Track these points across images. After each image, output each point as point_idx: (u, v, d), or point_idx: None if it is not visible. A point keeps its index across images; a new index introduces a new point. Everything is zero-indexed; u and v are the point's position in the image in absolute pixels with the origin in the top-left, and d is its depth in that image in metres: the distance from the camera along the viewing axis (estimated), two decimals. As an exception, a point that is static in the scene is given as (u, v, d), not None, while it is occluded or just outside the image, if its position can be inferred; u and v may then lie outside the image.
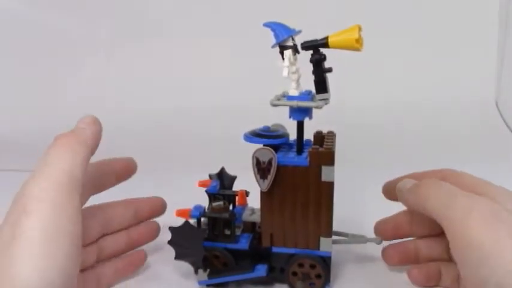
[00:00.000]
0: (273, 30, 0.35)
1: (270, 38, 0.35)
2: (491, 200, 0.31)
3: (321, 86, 0.35)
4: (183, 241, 0.37)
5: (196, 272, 0.38)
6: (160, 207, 0.42)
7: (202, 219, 0.39)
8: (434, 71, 0.81)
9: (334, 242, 0.39)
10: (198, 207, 0.38)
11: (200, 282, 0.38)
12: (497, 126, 0.77)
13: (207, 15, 0.81)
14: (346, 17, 0.74)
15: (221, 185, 0.42)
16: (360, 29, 0.33)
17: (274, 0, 0.75)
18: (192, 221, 0.38)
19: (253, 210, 0.40)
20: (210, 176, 0.43)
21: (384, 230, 0.40)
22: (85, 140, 0.32)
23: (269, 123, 0.39)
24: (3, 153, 0.65)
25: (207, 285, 0.38)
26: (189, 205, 0.39)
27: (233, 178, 0.43)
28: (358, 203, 0.48)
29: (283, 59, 0.35)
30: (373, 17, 0.76)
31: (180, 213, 0.38)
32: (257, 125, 0.38)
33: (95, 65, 0.78)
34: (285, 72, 0.35)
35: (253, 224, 0.40)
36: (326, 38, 0.34)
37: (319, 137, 0.39)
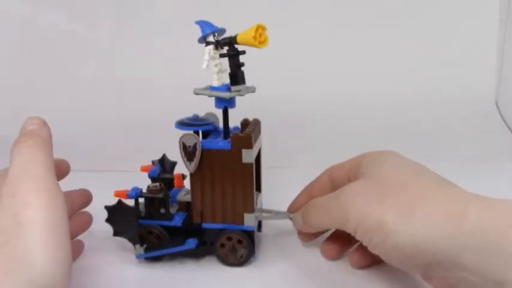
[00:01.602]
0: (200, 27, 0.39)
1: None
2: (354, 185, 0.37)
3: (234, 78, 0.39)
4: (118, 219, 0.41)
5: (134, 246, 0.42)
6: (89, 198, 0.44)
7: (140, 199, 0.43)
8: (434, 71, 0.81)
9: (259, 217, 0.43)
10: (135, 189, 0.42)
11: (137, 256, 0.42)
12: (497, 126, 0.78)
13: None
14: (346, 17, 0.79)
15: (163, 170, 0.46)
16: (261, 28, 0.37)
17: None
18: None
19: (188, 191, 0.44)
20: (153, 162, 0.47)
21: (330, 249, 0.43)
22: (48, 139, 0.35)
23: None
24: (4, 153, 0.65)
25: (144, 258, 0.43)
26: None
27: (174, 163, 0.47)
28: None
29: None
30: (373, 17, 0.79)
31: (118, 193, 0.42)
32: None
33: (94, 65, 0.78)
34: (204, 65, 0.39)
35: (188, 203, 0.44)
36: (236, 36, 0.38)
37: (246, 124, 0.44)
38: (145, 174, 0.45)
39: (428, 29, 0.81)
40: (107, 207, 0.40)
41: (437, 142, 0.70)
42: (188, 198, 0.43)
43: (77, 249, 0.44)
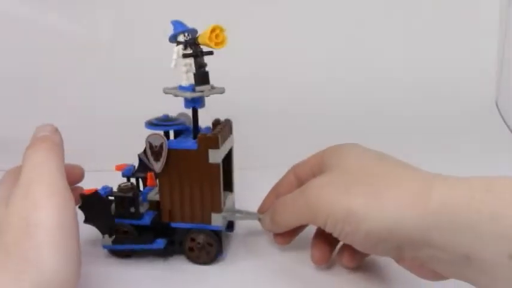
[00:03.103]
0: (172, 26, 0.39)
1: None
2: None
3: (197, 79, 0.39)
4: (92, 208, 0.41)
5: (103, 236, 0.43)
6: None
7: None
8: (434, 71, 0.81)
9: (227, 217, 0.43)
10: (105, 187, 0.43)
11: (105, 247, 0.43)
12: (497, 126, 0.78)
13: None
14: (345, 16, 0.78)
15: (143, 167, 0.46)
16: (218, 29, 0.37)
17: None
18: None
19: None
20: (139, 156, 0.44)
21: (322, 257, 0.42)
22: (60, 144, 0.36)
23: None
24: (4, 153, 0.63)
25: (109, 250, 0.43)
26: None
27: None
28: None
29: None
30: (373, 17, 0.79)
31: (87, 191, 0.42)
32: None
33: (95, 66, 0.78)
34: (172, 64, 0.39)
35: (158, 202, 0.44)
36: (197, 37, 0.38)
37: (217, 124, 0.44)
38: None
39: (428, 29, 0.81)
40: (81, 195, 0.41)
41: (437, 142, 0.70)
42: (158, 197, 0.44)
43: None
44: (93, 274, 0.41)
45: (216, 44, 0.36)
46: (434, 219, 0.31)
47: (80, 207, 0.41)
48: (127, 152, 0.63)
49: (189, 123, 0.44)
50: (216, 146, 0.39)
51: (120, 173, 0.45)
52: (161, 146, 0.39)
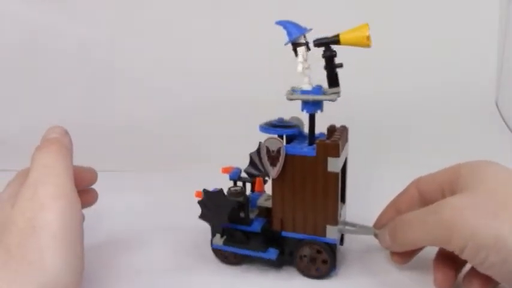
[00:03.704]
0: (285, 28, 0.38)
1: (282, 36, 0.37)
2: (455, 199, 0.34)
3: (333, 80, 0.37)
4: (211, 205, 0.40)
5: (213, 235, 0.42)
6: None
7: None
8: (434, 71, 0.80)
9: (342, 230, 0.41)
10: (215, 189, 0.42)
11: (214, 246, 0.42)
12: (497, 126, 0.77)
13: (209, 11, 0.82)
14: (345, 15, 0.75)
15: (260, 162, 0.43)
16: (368, 27, 0.35)
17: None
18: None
19: (268, 197, 0.43)
20: (251, 155, 0.42)
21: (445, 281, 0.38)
22: (69, 147, 0.36)
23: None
24: (3, 153, 0.66)
25: (215, 250, 0.42)
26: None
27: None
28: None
29: (296, 55, 0.38)
30: (372, 16, 0.74)
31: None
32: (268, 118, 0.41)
33: (95, 66, 0.79)
34: (300, 68, 0.37)
35: (268, 209, 0.42)
36: (337, 36, 0.36)
37: (332, 130, 0.41)
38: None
39: (428, 29, 0.80)
40: (205, 191, 0.40)
41: (437, 142, 0.69)
42: (269, 204, 0.42)
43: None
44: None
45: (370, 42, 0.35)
46: None
47: (199, 202, 0.41)
48: (127, 152, 0.66)
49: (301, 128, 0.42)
50: (336, 153, 0.37)
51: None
52: (278, 151, 0.38)
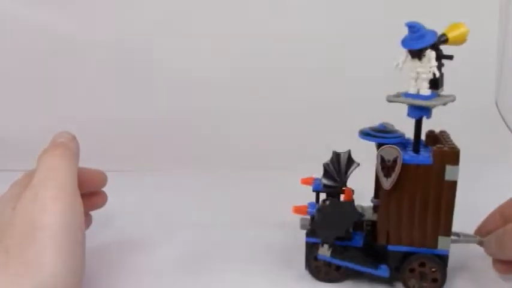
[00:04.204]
0: (418, 30, 0.35)
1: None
2: None
3: (441, 83, 0.36)
4: (333, 214, 0.37)
5: (322, 245, 0.39)
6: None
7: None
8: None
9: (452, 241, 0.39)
10: (313, 204, 0.39)
11: (320, 256, 0.39)
12: (497, 126, 0.77)
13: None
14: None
15: (337, 171, 0.40)
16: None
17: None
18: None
19: (362, 208, 0.41)
20: (326, 166, 0.40)
21: None
22: (75, 151, 0.36)
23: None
24: (3, 153, 0.66)
25: (325, 261, 0.39)
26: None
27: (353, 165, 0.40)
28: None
29: (420, 59, 0.35)
30: (372, 16, 0.77)
31: (297, 209, 0.38)
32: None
33: (95, 66, 0.77)
34: (437, 73, 0.35)
35: (362, 222, 0.40)
36: (445, 36, 0.36)
37: (432, 136, 0.40)
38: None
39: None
40: (329, 199, 0.38)
41: None
42: (365, 216, 0.40)
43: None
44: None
45: None
46: None
47: (318, 209, 0.38)
48: (127, 153, 0.65)
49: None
50: (456, 161, 0.35)
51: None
52: (395, 160, 0.35)
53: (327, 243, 0.38)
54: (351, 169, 0.39)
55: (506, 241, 0.36)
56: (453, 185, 0.35)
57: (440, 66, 0.35)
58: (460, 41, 0.36)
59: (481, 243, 0.39)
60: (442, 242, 0.37)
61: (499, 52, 0.83)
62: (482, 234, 0.40)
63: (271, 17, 0.78)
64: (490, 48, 0.83)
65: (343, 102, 0.74)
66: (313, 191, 0.41)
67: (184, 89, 0.76)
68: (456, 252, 0.41)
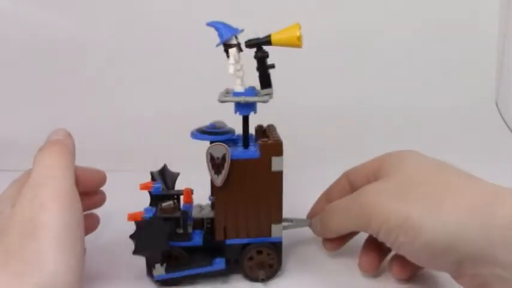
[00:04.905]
0: (217, 29, 0.36)
1: (214, 37, 0.36)
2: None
3: (266, 81, 0.37)
4: (147, 236, 0.36)
5: (151, 267, 0.38)
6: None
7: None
8: (434, 71, 0.81)
9: (283, 227, 0.41)
10: (148, 209, 0.38)
11: (157, 277, 0.38)
12: (497, 126, 0.77)
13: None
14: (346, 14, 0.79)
15: (164, 184, 0.41)
16: (299, 27, 0.35)
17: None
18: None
19: (201, 207, 0.41)
20: (152, 174, 0.41)
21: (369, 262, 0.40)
22: (71, 149, 0.36)
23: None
24: (3, 153, 0.66)
25: (162, 282, 0.38)
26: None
27: (176, 175, 0.42)
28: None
29: (227, 57, 0.36)
30: (371, 16, 0.79)
31: (132, 216, 0.37)
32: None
33: (95, 66, 0.75)
34: (231, 70, 0.36)
35: (202, 220, 0.40)
36: (269, 36, 0.36)
37: (260, 130, 0.41)
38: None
39: (428, 29, 0.81)
40: (137, 223, 0.36)
41: (437, 142, 0.68)
42: (204, 214, 0.40)
43: (91, 224, 0.42)
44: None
45: (301, 42, 0.34)
46: (500, 234, 0.29)
47: (131, 236, 0.36)
48: (127, 153, 0.65)
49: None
50: (280, 152, 0.37)
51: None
52: (223, 157, 0.36)
53: (156, 263, 0.37)
54: (174, 179, 0.41)
55: (327, 221, 0.40)
56: (279, 175, 0.38)
57: (264, 67, 0.36)
58: (291, 43, 0.35)
59: (310, 226, 0.42)
60: (275, 230, 0.39)
61: (499, 52, 0.83)
62: (311, 216, 0.43)
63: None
64: (490, 48, 0.83)
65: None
66: (152, 195, 0.40)
67: (185, 89, 0.74)
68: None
